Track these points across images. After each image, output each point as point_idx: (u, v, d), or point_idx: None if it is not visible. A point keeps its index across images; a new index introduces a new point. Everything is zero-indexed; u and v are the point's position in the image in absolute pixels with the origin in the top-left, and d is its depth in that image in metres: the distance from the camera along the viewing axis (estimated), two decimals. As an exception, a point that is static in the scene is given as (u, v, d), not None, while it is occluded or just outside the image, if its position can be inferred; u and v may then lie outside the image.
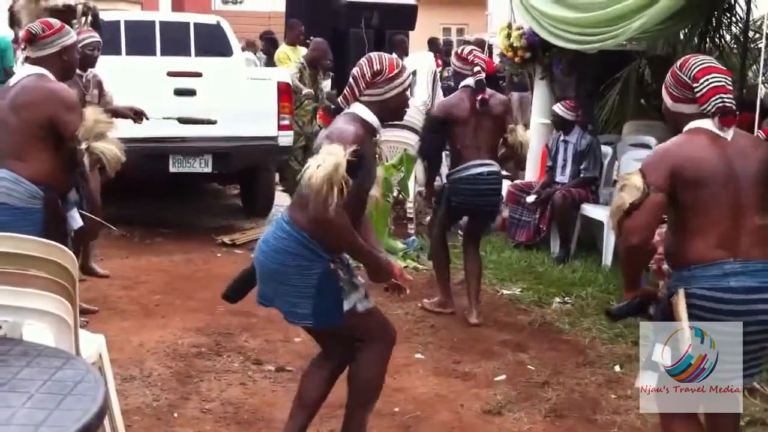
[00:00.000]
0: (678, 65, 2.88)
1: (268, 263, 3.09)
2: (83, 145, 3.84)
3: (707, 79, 2.78)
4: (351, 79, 3.14)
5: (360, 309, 3.12)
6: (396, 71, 3.13)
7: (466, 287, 5.37)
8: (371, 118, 3.11)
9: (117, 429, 3.27)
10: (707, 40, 7.48)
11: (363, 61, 3.16)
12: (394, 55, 3.42)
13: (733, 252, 2.72)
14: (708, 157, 2.75)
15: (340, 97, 3.17)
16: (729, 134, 2.80)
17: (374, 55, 3.18)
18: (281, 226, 3.08)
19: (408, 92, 3.24)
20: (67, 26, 4.13)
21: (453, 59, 5.53)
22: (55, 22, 4.09)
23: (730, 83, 2.81)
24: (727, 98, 2.77)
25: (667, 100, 2.91)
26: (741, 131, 2.92)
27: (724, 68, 2.88)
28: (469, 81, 5.25)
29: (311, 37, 9.14)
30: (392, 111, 3.18)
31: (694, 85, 2.80)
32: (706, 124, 2.80)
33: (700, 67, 2.81)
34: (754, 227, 2.75)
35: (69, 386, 2.06)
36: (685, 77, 2.82)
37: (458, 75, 5.41)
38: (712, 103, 2.77)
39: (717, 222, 2.73)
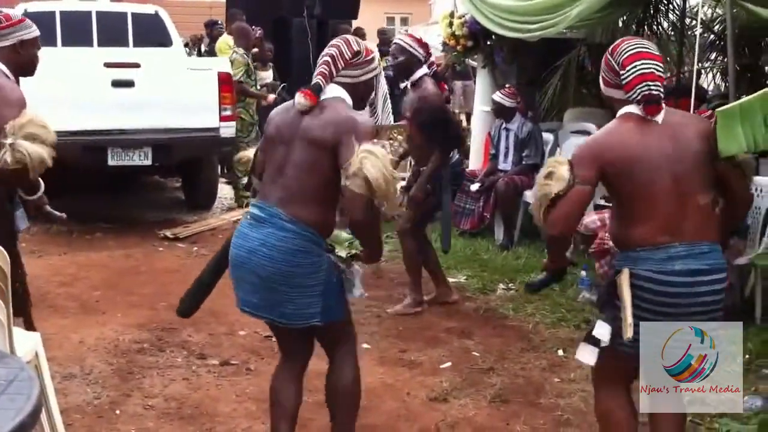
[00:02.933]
0: (610, 50, 2.84)
1: (279, 267, 2.90)
2: (8, 140, 3.72)
3: (634, 66, 2.74)
4: (327, 58, 3.00)
5: (356, 296, 3.11)
6: (371, 56, 3.08)
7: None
8: (350, 102, 3.01)
9: (56, 428, 3.19)
10: (645, 27, 7.60)
11: (339, 41, 3.06)
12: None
13: (679, 236, 2.71)
14: (638, 144, 2.72)
15: (319, 75, 2.99)
16: (659, 118, 2.76)
17: (350, 37, 3.11)
18: (282, 226, 2.91)
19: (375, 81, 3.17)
20: (28, 20, 4.03)
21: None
22: (15, 15, 3.99)
23: (659, 69, 2.77)
24: (654, 86, 2.73)
25: (600, 83, 2.90)
26: (674, 110, 2.90)
27: (656, 53, 2.84)
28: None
29: (253, 27, 9.05)
30: (360, 97, 3.09)
31: (621, 72, 2.77)
32: (635, 110, 2.77)
33: (630, 53, 2.77)
34: (697, 208, 2.74)
35: (2, 385, 2.00)
36: (614, 63, 2.80)
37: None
38: (638, 91, 2.73)
39: (659, 206, 2.71)
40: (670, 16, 7.78)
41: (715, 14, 7.98)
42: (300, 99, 2.96)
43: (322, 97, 2.97)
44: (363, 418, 3.77)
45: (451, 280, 5.87)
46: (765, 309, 4.66)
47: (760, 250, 4.72)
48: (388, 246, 6.73)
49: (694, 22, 7.40)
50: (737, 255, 4.87)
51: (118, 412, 3.76)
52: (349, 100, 3.01)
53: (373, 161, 2.76)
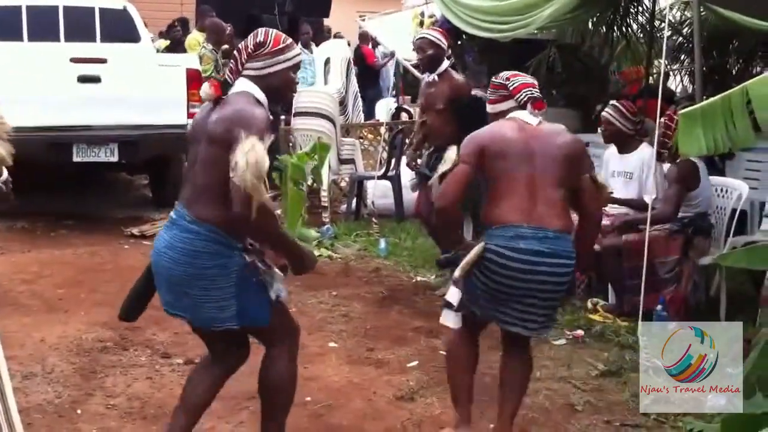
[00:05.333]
0: (493, 79, 3.49)
1: (183, 269, 2.85)
2: None
3: (517, 79, 3.42)
4: (235, 51, 2.98)
5: (282, 298, 2.99)
6: (280, 46, 2.95)
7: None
8: (261, 96, 2.92)
9: (15, 427, 3.13)
10: (615, 28, 7.66)
11: (252, 33, 3.00)
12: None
13: (527, 218, 3.17)
14: (510, 136, 3.27)
15: (227, 69, 2.99)
16: (536, 121, 3.32)
17: (261, 29, 3.03)
18: (185, 228, 2.86)
19: (294, 73, 3.04)
20: None
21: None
22: None
23: (536, 84, 3.41)
24: (535, 91, 3.37)
25: (489, 108, 3.46)
26: (550, 124, 3.40)
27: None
28: None
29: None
30: (273, 90, 2.96)
31: (507, 83, 3.40)
32: (519, 114, 3.34)
33: (511, 73, 3.46)
34: (546, 199, 3.20)
35: (-48, 384, 1.95)
36: (499, 81, 3.43)
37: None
38: (524, 93, 3.35)
39: (515, 191, 3.20)
40: (640, 18, 7.84)
41: (684, 17, 8.06)
42: (205, 89, 2.92)
43: (232, 91, 2.92)
44: (329, 416, 3.76)
45: (419, 278, 5.88)
46: (729, 308, 4.70)
47: (724, 251, 4.76)
48: (356, 245, 6.71)
49: (663, 24, 7.46)
50: (701, 254, 4.91)
51: (79, 411, 3.70)
52: (258, 94, 2.91)
53: (250, 156, 2.67)
